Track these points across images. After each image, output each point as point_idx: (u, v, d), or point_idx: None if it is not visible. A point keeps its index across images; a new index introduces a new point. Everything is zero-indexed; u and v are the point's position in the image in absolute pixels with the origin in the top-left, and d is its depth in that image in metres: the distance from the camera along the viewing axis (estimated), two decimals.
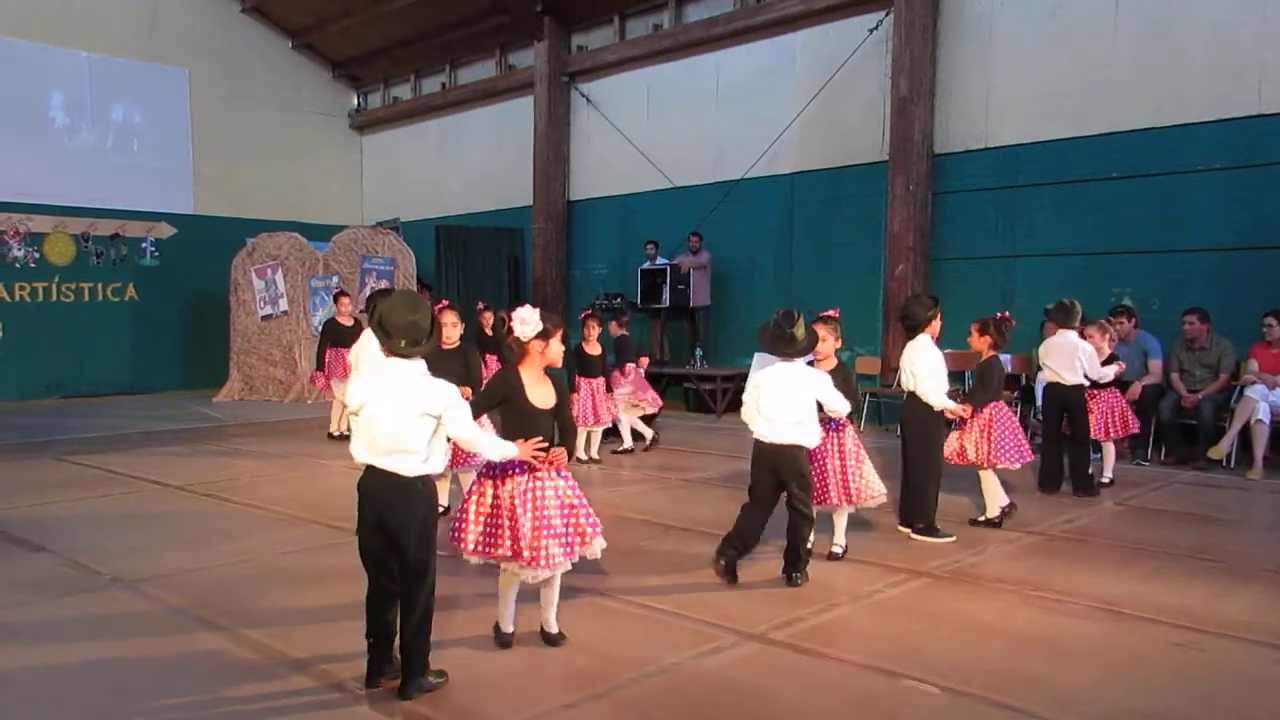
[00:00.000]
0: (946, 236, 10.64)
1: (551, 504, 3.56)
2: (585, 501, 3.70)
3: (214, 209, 15.53)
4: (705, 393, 11.84)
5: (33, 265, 14.05)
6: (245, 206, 15.58)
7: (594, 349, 8.39)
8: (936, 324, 5.48)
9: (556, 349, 3.84)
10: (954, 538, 5.44)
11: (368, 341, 5.88)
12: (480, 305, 11.12)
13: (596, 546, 3.72)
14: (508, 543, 3.49)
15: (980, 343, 5.87)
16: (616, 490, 7.25)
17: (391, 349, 3.23)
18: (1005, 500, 5.83)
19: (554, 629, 3.75)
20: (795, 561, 4.55)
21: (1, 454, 8.44)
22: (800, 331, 4.52)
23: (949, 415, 5.52)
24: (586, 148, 14.40)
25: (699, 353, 12.15)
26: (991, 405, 5.81)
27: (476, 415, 3.59)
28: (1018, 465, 5.81)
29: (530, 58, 14.67)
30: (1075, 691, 3.35)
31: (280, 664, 3.59)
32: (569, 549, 3.59)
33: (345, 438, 9.27)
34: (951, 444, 5.83)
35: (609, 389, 8.50)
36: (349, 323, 10.15)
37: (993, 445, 5.74)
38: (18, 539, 5.58)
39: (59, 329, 14.07)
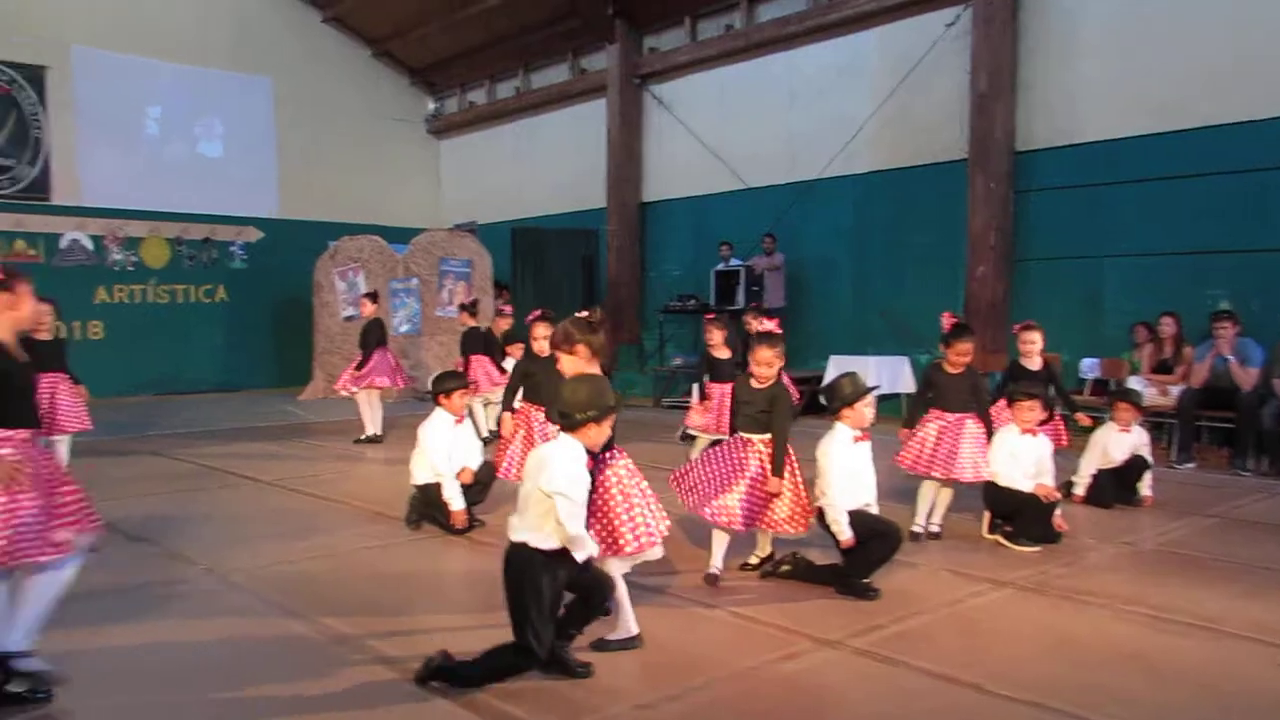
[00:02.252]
0: (1029, 236, 10.38)
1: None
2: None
3: (298, 213, 15.99)
4: None
5: (130, 268, 14.68)
6: (328, 210, 16.00)
7: (723, 353, 7.84)
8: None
9: (567, 363, 3.92)
10: (1039, 548, 5.30)
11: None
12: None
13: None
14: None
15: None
16: None
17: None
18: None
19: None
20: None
21: (102, 449, 8.81)
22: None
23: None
24: (659, 149, 14.43)
25: None
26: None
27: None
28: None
29: (603, 60, 14.76)
30: (1171, 710, 3.24)
31: (360, 654, 3.68)
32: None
33: (374, 440, 9.45)
34: None
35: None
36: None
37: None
38: (120, 529, 5.83)
39: (155, 329, 14.66)
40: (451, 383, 5.94)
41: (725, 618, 4.16)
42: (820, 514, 4.50)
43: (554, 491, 3.20)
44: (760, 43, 12.80)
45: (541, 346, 5.58)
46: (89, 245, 14.37)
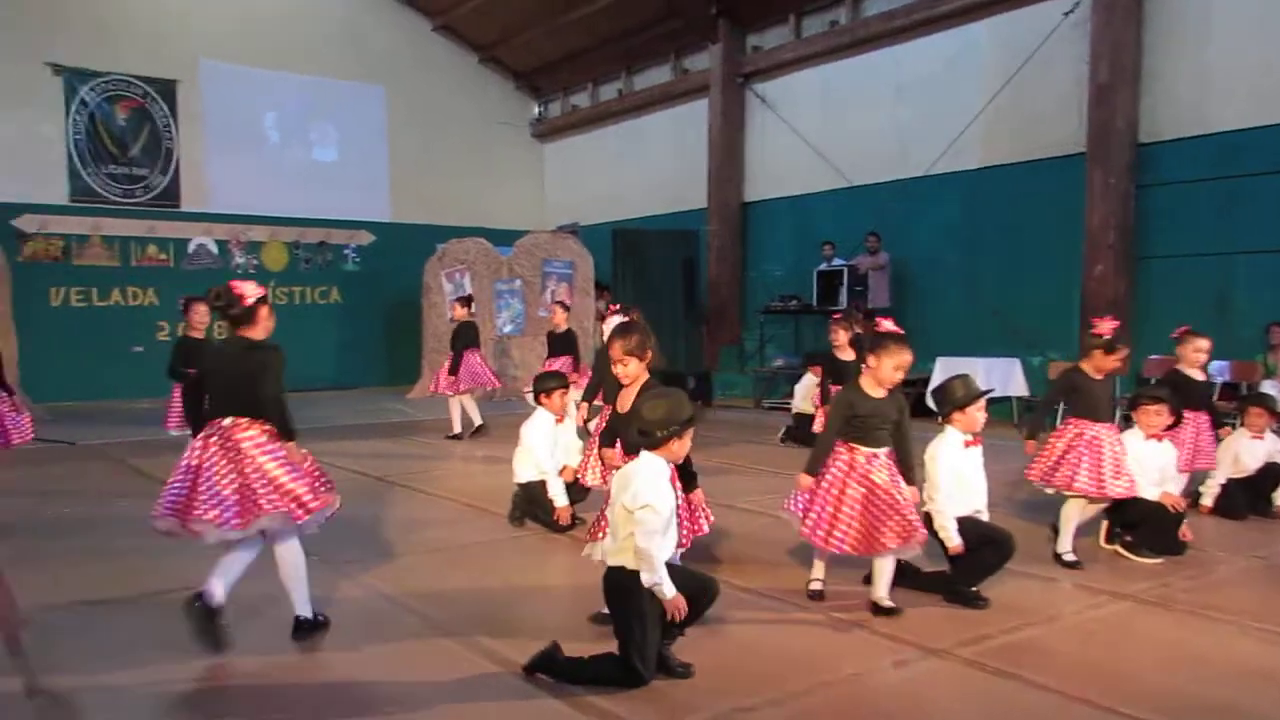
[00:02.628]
0: (1151, 233, 9.91)
1: None
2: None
3: (408, 217, 16.47)
4: None
5: (252, 271, 15.37)
6: (436, 214, 16.43)
7: (848, 354, 7.72)
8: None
9: (632, 369, 3.86)
10: (1162, 559, 5.04)
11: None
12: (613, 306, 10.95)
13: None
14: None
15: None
16: None
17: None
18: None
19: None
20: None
21: None
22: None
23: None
24: (761, 148, 14.33)
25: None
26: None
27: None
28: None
29: (705, 60, 14.74)
30: None
31: (466, 647, 3.75)
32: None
33: (456, 438, 9.62)
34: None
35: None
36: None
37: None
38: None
39: (275, 330, 15.27)
40: (552, 382, 6.02)
41: (828, 623, 4.09)
42: (928, 520, 4.37)
43: (636, 508, 3.21)
44: (866, 38, 12.57)
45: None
46: (214, 249, 15.12)
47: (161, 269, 14.66)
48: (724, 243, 14.50)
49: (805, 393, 9.51)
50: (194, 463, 3.64)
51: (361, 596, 4.51)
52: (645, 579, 3.21)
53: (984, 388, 4.52)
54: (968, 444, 4.37)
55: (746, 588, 4.55)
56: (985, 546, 4.30)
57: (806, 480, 4.22)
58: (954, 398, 4.39)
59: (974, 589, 4.30)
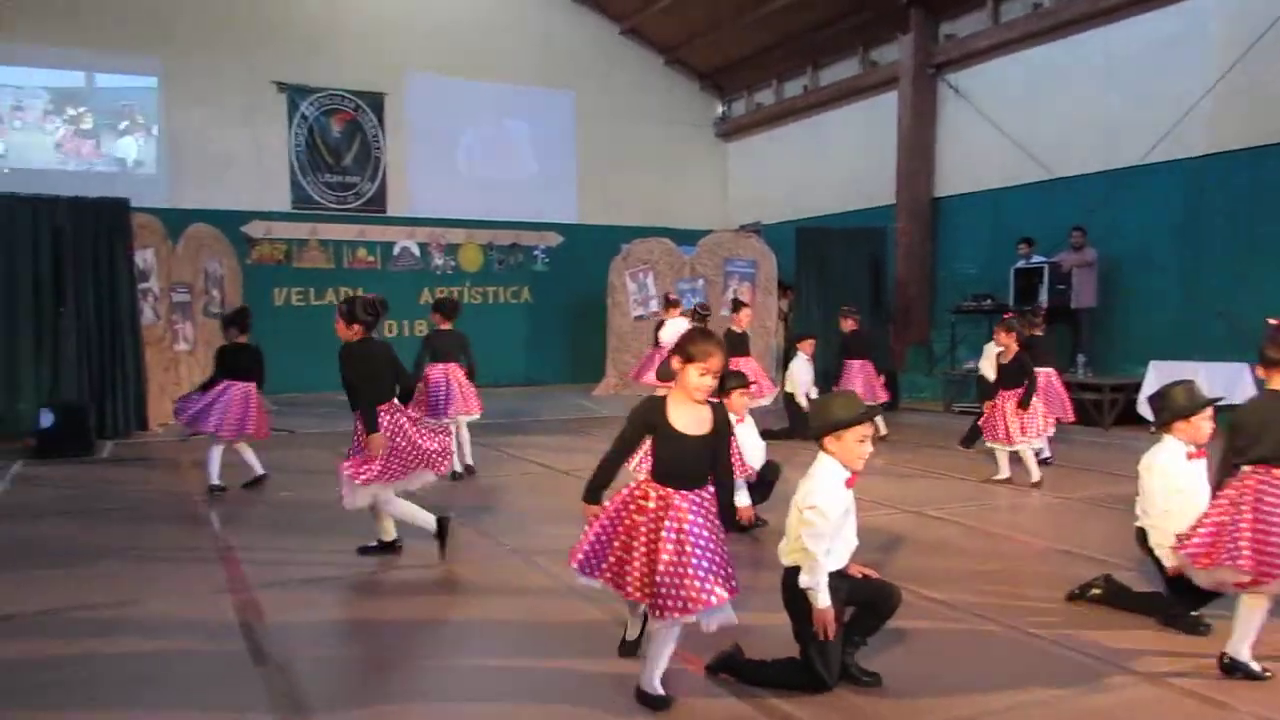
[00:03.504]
0: None
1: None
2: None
3: (594, 218, 16.90)
4: (1090, 403, 10.76)
5: (450, 272, 16.24)
6: (621, 214, 16.77)
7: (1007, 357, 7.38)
8: None
9: (695, 379, 3.20)
10: None
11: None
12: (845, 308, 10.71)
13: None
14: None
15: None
16: (992, 505, 6.83)
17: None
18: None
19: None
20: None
21: None
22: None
23: None
24: (954, 141, 13.75)
25: (1082, 359, 11.08)
26: None
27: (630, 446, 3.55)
28: None
29: (894, 52, 14.30)
30: None
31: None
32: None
33: None
34: None
35: (1023, 404, 7.17)
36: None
37: None
38: (439, 510, 6.44)
39: (469, 327, 15.92)
40: (731, 382, 6.00)
41: (1026, 640, 3.88)
42: (1141, 536, 4.05)
43: (805, 507, 3.15)
44: (1072, 20, 11.81)
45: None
46: (416, 252, 16.06)
47: (370, 270, 15.71)
48: (913, 240, 14.02)
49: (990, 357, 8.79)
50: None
51: (550, 587, 4.66)
52: (802, 580, 3.15)
53: (1213, 395, 4.12)
54: (1190, 456, 4.01)
55: (934, 598, 4.38)
56: None
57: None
58: (1176, 405, 4.00)
59: (1194, 614, 3.95)
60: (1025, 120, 12.57)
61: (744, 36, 16.28)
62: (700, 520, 3.18)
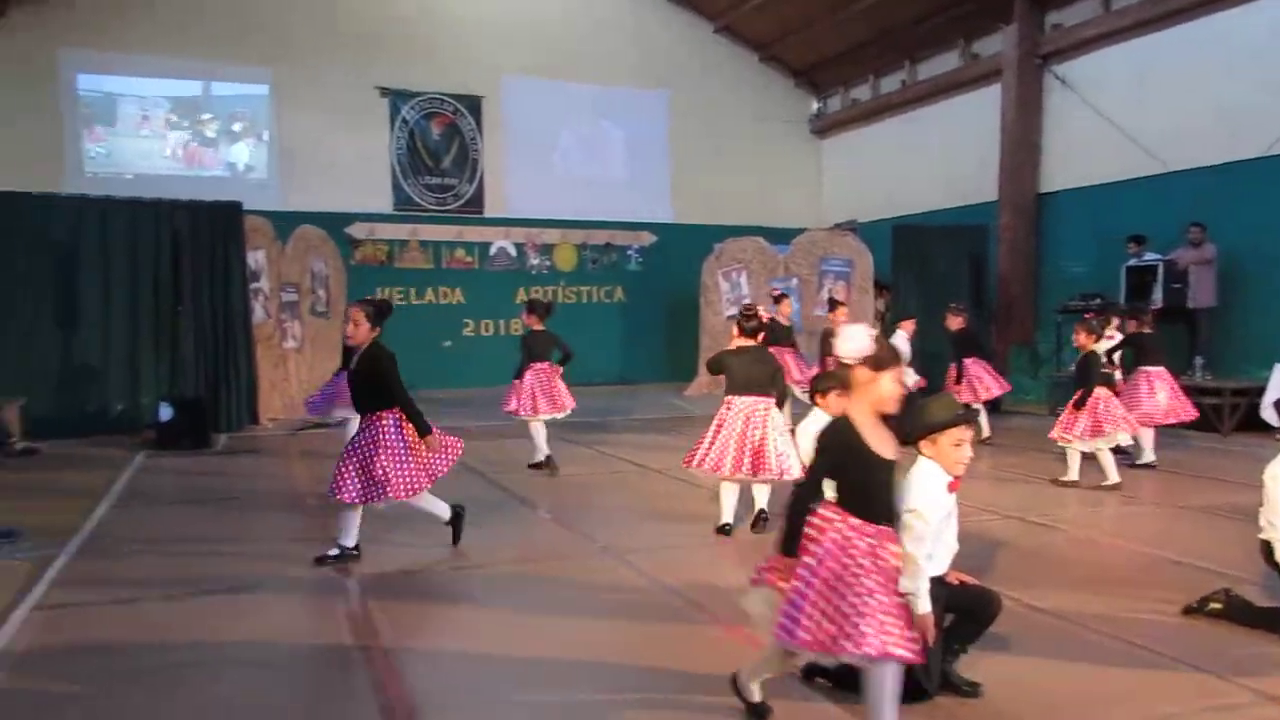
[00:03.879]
0: None
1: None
2: None
3: (688, 217, 16.89)
4: (1208, 408, 10.23)
5: (545, 271, 16.46)
6: (714, 214, 16.71)
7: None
8: None
9: (889, 387, 2.94)
10: None
11: None
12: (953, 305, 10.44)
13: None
14: None
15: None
16: (1099, 512, 6.58)
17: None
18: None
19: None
20: None
21: (515, 432, 9.93)
22: None
23: None
24: (1060, 134, 13.27)
25: (1199, 361, 10.55)
26: None
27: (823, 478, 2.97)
28: None
29: (998, 44, 13.88)
30: None
31: (744, 642, 3.77)
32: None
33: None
34: None
35: (1077, 405, 7.13)
36: (788, 323, 10.09)
37: None
38: (533, 506, 6.56)
39: (564, 326, 16.16)
40: (829, 382, 5.91)
41: (1135, 653, 3.71)
42: (1267, 549, 3.84)
43: (905, 510, 3.08)
44: (1189, 6, 11.26)
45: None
46: (512, 252, 16.32)
47: (467, 271, 16.05)
48: (1016, 236, 13.58)
49: None
50: None
51: (644, 585, 4.68)
52: (902, 585, 3.08)
53: None
54: None
55: (1037, 606, 4.24)
56: None
57: None
58: None
59: None
60: (1137, 111, 12.05)
61: (839, 32, 16.04)
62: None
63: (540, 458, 7.88)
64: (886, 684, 2.79)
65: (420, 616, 4.23)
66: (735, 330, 5.81)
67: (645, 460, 8.41)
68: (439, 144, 15.80)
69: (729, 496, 5.70)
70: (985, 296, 13.59)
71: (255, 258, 10.86)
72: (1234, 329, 10.76)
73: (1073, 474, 7.18)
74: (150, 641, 3.83)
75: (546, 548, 5.38)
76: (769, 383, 5.65)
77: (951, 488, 3.20)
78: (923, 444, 3.18)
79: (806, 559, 2.84)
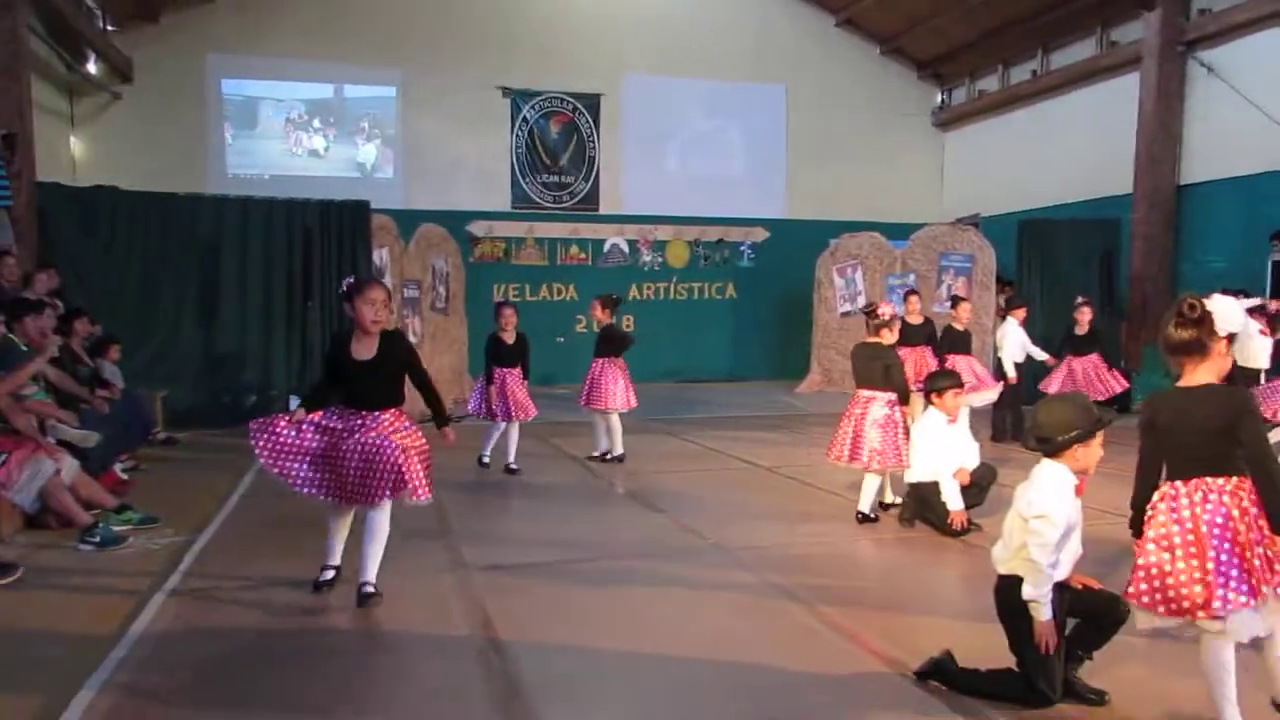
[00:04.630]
0: None
1: None
2: None
3: (802, 213, 16.68)
4: None
5: (657, 268, 16.53)
6: (830, 209, 16.45)
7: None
8: None
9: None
10: None
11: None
12: (1078, 300, 10.04)
13: None
14: None
15: None
16: None
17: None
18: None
19: None
20: None
21: (630, 428, 10.03)
22: None
23: None
24: (1204, 124, 12.53)
25: None
26: None
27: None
28: None
29: (1137, 30, 13.20)
30: None
31: (853, 644, 3.73)
32: None
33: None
34: None
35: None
36: (918, 320, 9.69)
37: None
38: (643, 501, 6.61)
39: (675, 322, 16.32)
40: (944, 381, 5.78)
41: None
42: None
43: (1032, 515, 2.98)
44: None
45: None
46: (625, 248, 16.46)
47: (581, 267, 16.26)
48: (1152, 231, 12.90)
49: None
50: None
51: (750, 581, 4.67)
52: (1026, 592, 2.99)
53: None
54: None
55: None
56: None
57: None
58: None
59: None
60: None
61: (967, 23, 15.56)
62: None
63: (619, 451, 8.10)
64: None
65: (531, 608, 4.31)
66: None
67: (756, 458, 8.37)
68: (557, 142, 16.07)
69: (868, 485, 5.92)
70: (1116, 293, 12.97)
71: (380, 255, 11.28)
72: None
73: None
74: (280, 628, 4.01)
75: (655, 543, 5.42)
76: (881, 378, 5.75)
77: (1078, 490, 3.09)
78: (1072, 450, 3.08)
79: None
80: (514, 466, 7.64)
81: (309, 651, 3.73)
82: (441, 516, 6.01)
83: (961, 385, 5.85)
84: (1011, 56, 15.89)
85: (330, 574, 4.44)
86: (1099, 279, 12.86)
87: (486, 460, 7.76)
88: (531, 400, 7.83)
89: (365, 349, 4.28)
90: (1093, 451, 3.09)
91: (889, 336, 5.92)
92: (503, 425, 7.68)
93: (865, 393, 5.80)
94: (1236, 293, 10.96)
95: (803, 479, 7.39)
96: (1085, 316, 9.40)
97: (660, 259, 16.60)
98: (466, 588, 4.56)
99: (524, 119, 15.84)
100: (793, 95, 16.87)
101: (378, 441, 4.08)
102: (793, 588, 4.51)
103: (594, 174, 16.23)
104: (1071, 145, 14.66)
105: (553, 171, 16.08)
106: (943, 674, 3.25)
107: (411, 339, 12.08)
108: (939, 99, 17.79)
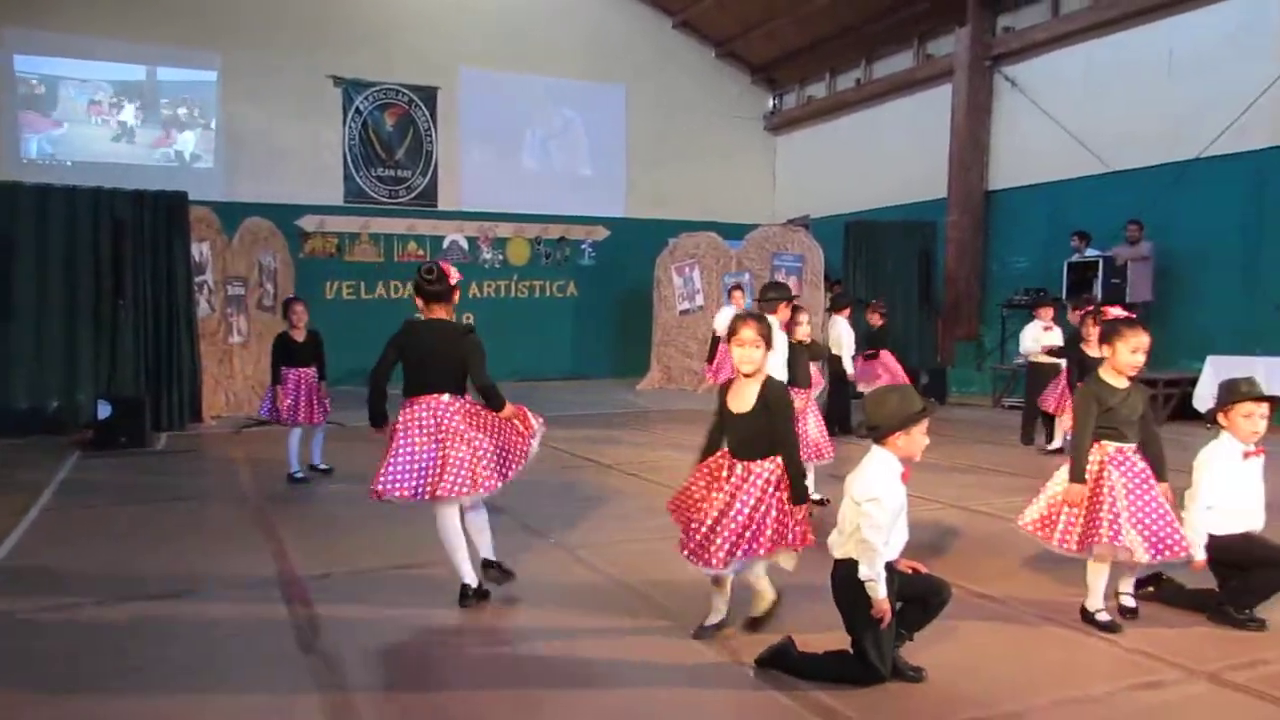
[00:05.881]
0: None
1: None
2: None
3: (642, 212, 16.91)
4: None
5: (497, 266, 16.37)
6: (668, 209, 16.76)
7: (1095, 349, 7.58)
8: None
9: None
10: None
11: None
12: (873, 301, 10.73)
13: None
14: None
15: None
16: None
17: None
18: None
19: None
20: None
21: None
22: None
23: None
24: (1009, 134, 13.53)
25: None
26: None
27: None
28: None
29: (950, 44, 14.10)
30: None
31: (698, 636, 3.80)
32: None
33: None
34: None
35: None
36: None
37: None
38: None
39: (516, 321, 16.20)
40: (772, 293, 6.24)
41: (1078, 637, 3.80)
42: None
43: (864, 499, 3.14)
44: (1135, 12, 11.55)
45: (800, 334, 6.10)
46: (465, 245, 16.21)
47: (419, 264, 15.85)
48: (964, 234, 13.82)
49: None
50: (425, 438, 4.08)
51: (594, 580, 4.68)
52: (861, 572, 3.15)
53: (1267, 392, 4.01)
54: (1247, 455, 3.91)
55: (982, 593, 4.33)
56: (1260, 568, 3.84)
57: (1079, 490, 3.86)
58: (1225, 394, 3.94)
59: (1248, 611, 3.86)
60: (1083, 113, 12.33)
61: (799, 29, 16.18)
62: None
63: None
64: None
65: (365, 617, 4.16)
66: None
67: (599, 456, 8.41)
68: (392, 135, 15.63)
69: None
70: (934, 292, 13.81)
71: (200, 250, 10.64)
72: (1170, 323, 11.06)
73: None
74: (87, 649, 3.72)
75: (496, 544, 5.35)
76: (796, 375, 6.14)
77: (904, 477, 3.26)
78: (895, 437, 3.23)
79: None
80: (322, 466, 7.33)
81: (121, 673, 3.46)
82: (267, 528, 5.73)
83: (791, 298, 6.19)
84: (838, 65, 16.64)
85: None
86: (918, 278, 13.65)
87: (298, 474, 7.13)
88: (326, 402, 7.33)
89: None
90: (915, 440, 3.25)
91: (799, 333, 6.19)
92: (298, 431, 7.17)
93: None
94: (1036, 292, 11.90)
95: (645, 476, 7.48)
96: (875, 319, 10.12)
97: (501, 257, 16.43)
98: (296, 597, 4.35)
99: (357, 110, 15.33)
100: (632, 95, 17.06)
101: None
102: (638, 583, 4.55)
103: (432, 169, 15.89)
104: (893, 151, 15.50)
105: (388, 165, 15.64)
106: (783, 661, 3.35)
107: (236, 338, 11.48)
108: (771, 103, 18.42)
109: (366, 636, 3.85)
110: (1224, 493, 3.90)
